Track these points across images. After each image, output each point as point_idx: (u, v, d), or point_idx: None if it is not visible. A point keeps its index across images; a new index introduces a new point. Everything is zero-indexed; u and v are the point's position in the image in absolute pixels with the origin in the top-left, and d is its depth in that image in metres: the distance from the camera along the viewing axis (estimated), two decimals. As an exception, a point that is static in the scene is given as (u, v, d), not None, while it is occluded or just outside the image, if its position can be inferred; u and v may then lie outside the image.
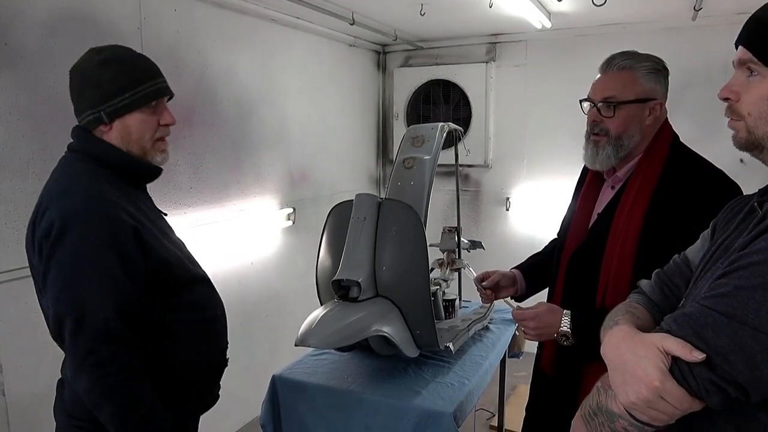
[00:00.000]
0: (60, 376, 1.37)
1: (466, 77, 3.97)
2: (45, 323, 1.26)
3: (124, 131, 1.30)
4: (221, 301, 1.49)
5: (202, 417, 1.51)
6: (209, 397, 1.47)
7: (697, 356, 0.71)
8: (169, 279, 1.32)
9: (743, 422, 0.77)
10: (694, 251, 1.02)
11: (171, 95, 1.38)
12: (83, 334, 1.16)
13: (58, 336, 1.22)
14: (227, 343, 1.51)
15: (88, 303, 1.16)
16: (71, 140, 1.34)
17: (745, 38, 0.82)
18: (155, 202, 1.47)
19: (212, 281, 1.50)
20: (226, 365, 1.51)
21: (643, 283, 1.07)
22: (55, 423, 1.37)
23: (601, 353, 0.85)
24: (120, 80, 1.27)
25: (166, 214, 1.48)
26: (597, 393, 0.85)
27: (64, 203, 1.20)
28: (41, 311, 1.30)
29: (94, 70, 1.27)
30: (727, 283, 0.73)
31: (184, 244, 1.47)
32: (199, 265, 1.48)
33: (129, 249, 1.22)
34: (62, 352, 1.27)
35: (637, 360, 0.75)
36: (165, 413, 1.26)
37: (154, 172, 1.40)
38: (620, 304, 1.03)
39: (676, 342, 0.73)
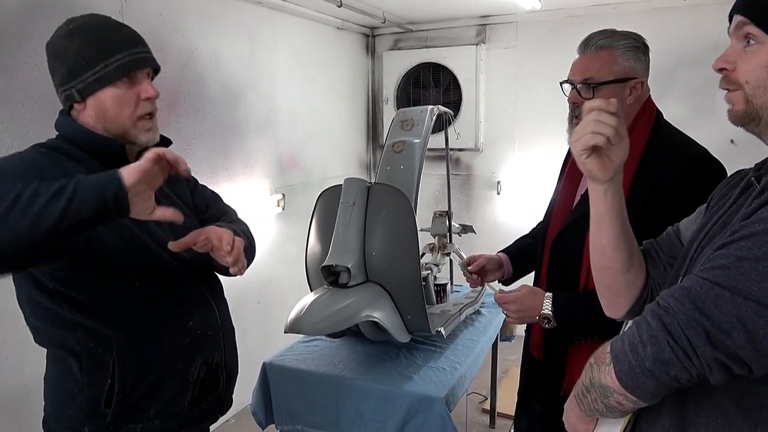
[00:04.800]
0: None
1: (456, 60, 3.93)
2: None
3: (99, 109, 1.14)
4: (203, 313, 1.40)
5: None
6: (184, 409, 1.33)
7: None
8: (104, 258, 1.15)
9: (741, 396, 0.76)
10: (686, 223, 1.00)
11: (154, 67, 1.23)
12: None
13: None
14: (204, 357, 1.38)
15: None
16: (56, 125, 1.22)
17: (743, 5, 0.80)
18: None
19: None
20: (207, 381, 1.39)
21: None
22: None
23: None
24: (88, 52, 1.11)
25: None
26: (590, 369, 0.84)
27: None
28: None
29: (61, 42, 1.14)
30: (728, 254, 0.71)
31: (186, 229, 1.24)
32: (192, 274, 1.36)
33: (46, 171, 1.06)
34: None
35: None
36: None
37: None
38: None
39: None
